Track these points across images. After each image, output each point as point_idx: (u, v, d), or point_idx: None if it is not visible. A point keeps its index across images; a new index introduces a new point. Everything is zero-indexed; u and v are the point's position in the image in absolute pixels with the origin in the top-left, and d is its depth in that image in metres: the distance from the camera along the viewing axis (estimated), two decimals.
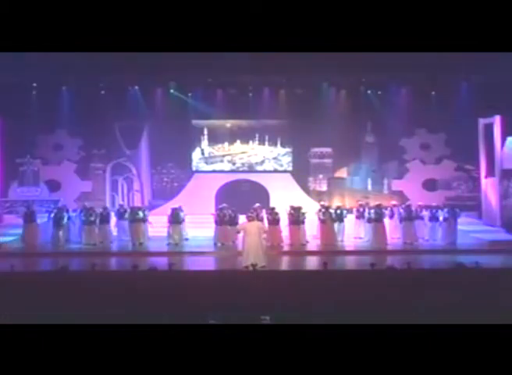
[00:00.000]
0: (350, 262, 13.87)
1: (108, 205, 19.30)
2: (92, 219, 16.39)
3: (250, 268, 11.43)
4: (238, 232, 14.02)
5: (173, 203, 18.05)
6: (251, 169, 21.24)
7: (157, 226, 17.01)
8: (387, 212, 16.96)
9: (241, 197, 18.99)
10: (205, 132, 21.17)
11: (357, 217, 17.22)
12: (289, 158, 21.24)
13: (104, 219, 16.72)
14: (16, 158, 19.82)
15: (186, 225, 16.76)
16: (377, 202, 17.55)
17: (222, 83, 19.91)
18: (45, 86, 19.54)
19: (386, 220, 16.74)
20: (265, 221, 15.61)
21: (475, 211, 19.08)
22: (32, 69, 17.85)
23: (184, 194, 20.55)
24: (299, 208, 16.38)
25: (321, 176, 21.96)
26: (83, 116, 19.43)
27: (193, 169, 21.29)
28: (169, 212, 16.63)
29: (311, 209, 17.45)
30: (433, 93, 19.80)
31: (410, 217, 16.37)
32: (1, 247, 15.45)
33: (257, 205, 16.13)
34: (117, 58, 14.47)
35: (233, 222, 16.04)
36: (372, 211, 16.27)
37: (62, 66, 17.45)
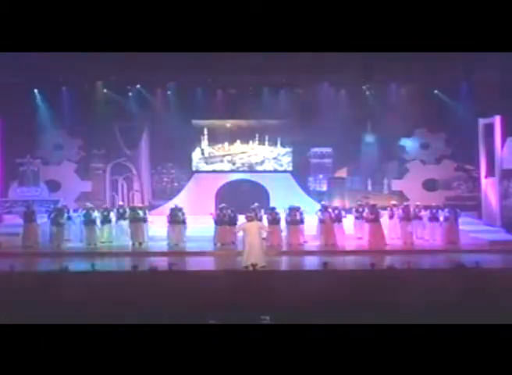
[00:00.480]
0: (350, 262, 13.86)
1: (108, 205, 19.29)
2: (92, 219, 16.40)
3: (250, 268, 11.43)
4: (235, 233, 14.04)
5: (173, 203, 18.04)
6: (251, 169, 21.24)
7: (157, 226, 17.02)
8: (386, 213, 16.95)
9: (241, 197, 18.98)
10: (205, 132, 21.17)
11: (357, 217, 17.21)
12: (289, 158, 21.25)
13: (105, 219, 16.72)
14: (16, 158, 19.82)
15: (186, 226, 16.64)
16: (375, 202, 17.53)
17: (222, 83, 19.91)
18: (45, 86, 19.54)
19: (386, 220, 16.73)
20: (265, 221, 15.61)
21: (475, 211, 19.07)
22: (32, 69, 17.85)
23: (184, 194, 20.55)
24: (297, 209, 16.39)
25: (321, 176, 21.96)
26: (83, 116, 19.43)
27: (193, 169, 21.29)
28: (168, 212, 16.65)
29: (311, 209, 17.45)
30: (433, 93, 19.79)
31: (408, 217, 16.36)
32: (1, 247, 15.46)
33: (256, 204, 16.13)
34: (117, 58, 14.48)
35: (233, 222, 16.03)
36: (367, 211, 16.27)
37: (62, 66, 17.46)
